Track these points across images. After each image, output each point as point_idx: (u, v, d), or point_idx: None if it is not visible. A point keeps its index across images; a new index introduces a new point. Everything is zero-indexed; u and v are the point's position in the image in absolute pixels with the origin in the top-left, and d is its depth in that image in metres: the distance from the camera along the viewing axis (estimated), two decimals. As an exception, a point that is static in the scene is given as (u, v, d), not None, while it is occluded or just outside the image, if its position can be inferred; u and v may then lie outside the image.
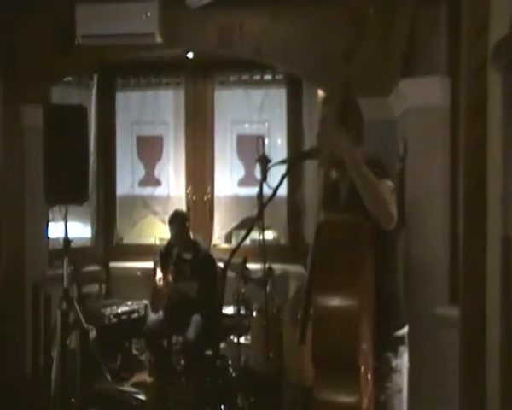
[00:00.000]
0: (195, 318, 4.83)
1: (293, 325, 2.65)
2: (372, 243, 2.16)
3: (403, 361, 2.36)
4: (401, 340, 2.37)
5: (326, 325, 2.02)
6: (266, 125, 6.04)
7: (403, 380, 2.35)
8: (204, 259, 5.05)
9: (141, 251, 6.06)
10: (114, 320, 5.24)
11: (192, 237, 5.19)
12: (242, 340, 4.23)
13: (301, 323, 2.23)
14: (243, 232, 2.60)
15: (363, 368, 2.03)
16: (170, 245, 5.26)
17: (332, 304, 2.03)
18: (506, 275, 2.47)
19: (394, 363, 2.31)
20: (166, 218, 5.43)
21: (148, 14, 4.53)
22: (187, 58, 5.60)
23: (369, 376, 2.10)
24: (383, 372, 2.26)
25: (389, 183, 2.25)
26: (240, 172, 6.12)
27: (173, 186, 6.19)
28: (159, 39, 4.62)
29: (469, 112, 2.78)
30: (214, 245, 6.01)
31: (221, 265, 4.96)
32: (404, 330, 2.40)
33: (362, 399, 2.02)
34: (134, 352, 5.44)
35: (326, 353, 2.01)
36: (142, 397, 4.24)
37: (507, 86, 2.48)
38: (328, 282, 2.08)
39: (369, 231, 2.14)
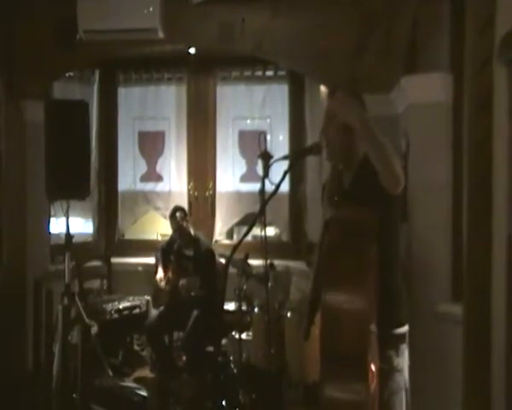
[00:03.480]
0: (197, 314, 4.83)
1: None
2: (376, 239, 2.15)
3: (404, 360, 2.37)
4: (402, 338, 2.38)
5: (336, 322, 2.02)
6: (268, 121, 6.03)
7: (404, 378, 2.36)
8: (205, 255, 5.05)
9: (142, 247, 6.08)
10: (116, 316, 5.24)
11: (193, 233, 5.18)
12: (244, 336, 4.23)
13: (307, 319, 2.23)
14: (245, 228, 2.59)
15: (373, 366, 2.03)
16: (171, 241, 5.26)
17: (343, 302, 2.03)
18: (511, 273, 2.46)
19: (396, 362, 2.31)
20: (168, 213, 5.43)
21: (150, 9, 4.51)
22: (189, 53, 5.59)
23: (375, 373, 2.10)
24: (385, 371, 2.26)
25: None
26: (242, 168, 6.11)
27: (175, 182, 6.19)
28: (160, 34, 4.60)
29: (474, 108, 2.75)
30: (216, 241, 6.00)
31: (222, 261, 4.96)
32: (405, 329, 2.40)
33: (369, 396, 2.02)
34: (135, 347, 5.45)
35: (336, 350, 2.01)
36: (143, 393, 4.24)
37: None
38: (338, 279, 2.07)
39: (374, 227, 2.14)
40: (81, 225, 6.08)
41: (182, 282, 4.96)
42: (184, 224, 5.10)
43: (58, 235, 4.25)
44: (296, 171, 5.67)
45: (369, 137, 2.15)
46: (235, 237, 6.23)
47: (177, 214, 5.11)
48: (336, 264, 2.10)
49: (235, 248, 2.54)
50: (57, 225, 4.15)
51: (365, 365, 2.01)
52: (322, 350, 2.04)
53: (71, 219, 3.99)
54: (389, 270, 2.34)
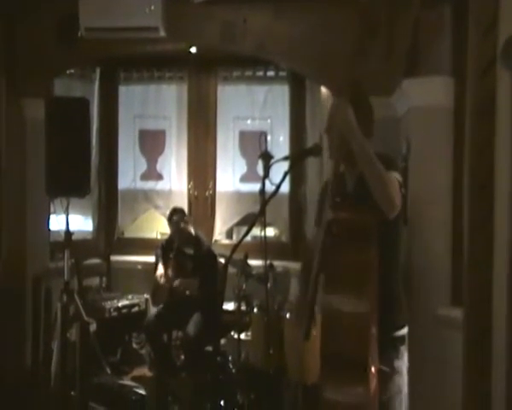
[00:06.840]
0: (196, 313, 4.83)
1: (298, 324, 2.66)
2: (376, 241, 2.15)
3: (403, 362, 2.37)
4: (401, 340, 2.38)
5: (337, 325, 2.02)
6: (269, 121, 6.04)
7: (403, 381, 2.36)
8: (206, 254, 5.05)
9: (142, 245, 6.08)
10: (115, 314, 5.24)
11: (194, 232, 5.17)
12: (243, 336, 4.22)
13: (307, 320, 2.23)
14: (244, 228, 2.59)
15: (373, 368, 2.03)
16: (171, 239, 5.25)
17: (343, 304, 2.03)
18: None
19: (396, 364, 2.31)
20: (168, 212, 5.42)
21: (152, 8, 4.51)
22: (190, 53, 5.59)
23: (374, 375, 2.11)
24: (384, 373, 2.26)
25: (397, 176, 2.25)
26: (242, 168, 6.12)
27: (175, 181, 6.19)
28: (162, 33, 4.60)
29: (476, 112, 2.75)
30: (215, 241, 6.01)
31: (222, 260, 4.96)
32: (405, 331, 2.40)
33: (369, 399, 2.02)
34: (134, 346, 5.45)
35: (336, 352, 2.01)
36: (141, 391, 4.24)
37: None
38: (340, 282, 2.07)
39: (375, 229, 2.14)
40: (81, 223, 6.08)
41: (176, 282, 4.95)
42: (182, 225, 5.09)
43: (58, 232, 4.24)
44: (296, 172, 5.68)
45: (367, 160, 2.13)
46: (235, 237, 6.23)
47: (174, 218, 5.10)
48: (337, 267, 2.10)
49: (234, 248, 2.54)
50: (57, 223, 4.14)
51: (366, 367, 2.01)
52: (322, 352, 2.04)
53: (71, 216, 3.99)
54: (389, 272, 2.34)
